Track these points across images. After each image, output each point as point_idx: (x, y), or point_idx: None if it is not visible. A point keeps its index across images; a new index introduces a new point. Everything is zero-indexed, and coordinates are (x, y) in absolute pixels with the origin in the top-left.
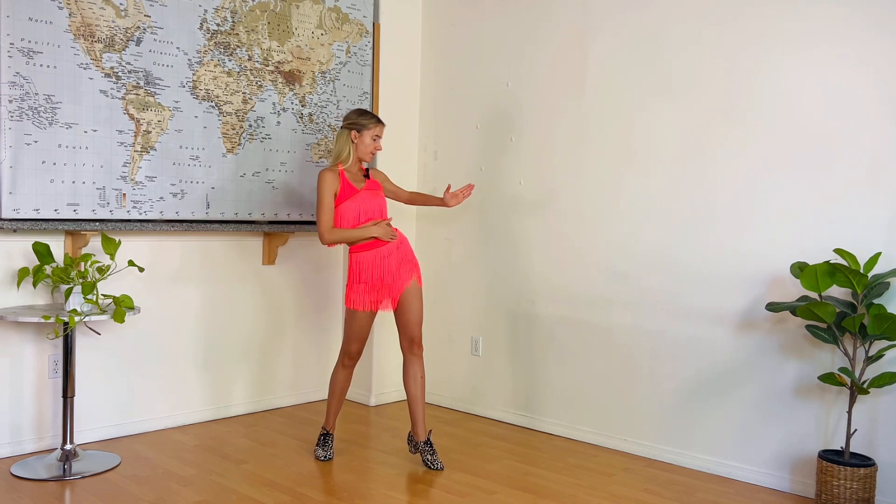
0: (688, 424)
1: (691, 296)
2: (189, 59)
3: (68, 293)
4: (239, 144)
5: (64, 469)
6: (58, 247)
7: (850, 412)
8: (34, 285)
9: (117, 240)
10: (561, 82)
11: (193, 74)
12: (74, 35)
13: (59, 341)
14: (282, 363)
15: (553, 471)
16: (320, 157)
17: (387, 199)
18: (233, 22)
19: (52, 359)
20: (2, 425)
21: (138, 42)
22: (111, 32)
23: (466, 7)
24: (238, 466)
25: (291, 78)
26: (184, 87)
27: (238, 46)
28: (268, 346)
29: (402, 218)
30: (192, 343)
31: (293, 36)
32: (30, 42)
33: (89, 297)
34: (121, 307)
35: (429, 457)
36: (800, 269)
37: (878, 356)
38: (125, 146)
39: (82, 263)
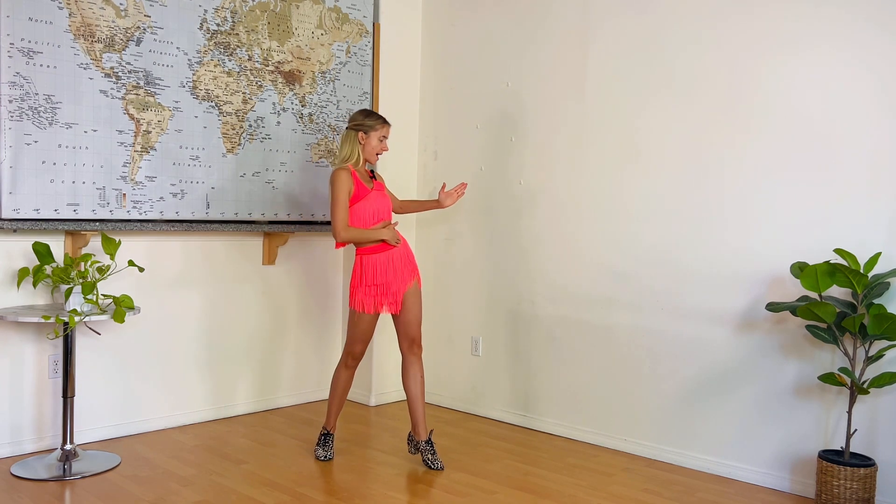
0: (688, 424)
1: (691, 296)
2: (189, 59)
3: (68, 293)
4: (239, 144)
5: (64, 469)
6: (58, 247)
7: (850, 412)
8: (34, 285)
9: (117, 240)
10: (561, 82)
11: (193, 74)
12: (74, 35)
13: (59, 341)
14: (282, 363)
15: (553, 471)
16: (320, 157)
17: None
18: (233, 22)
19: (52, 359)
20: (2, 425)
21: (138, 42)
22: (111, 32)
23: (466, 7)
24: (238, 466)
25: (291, 78)
26: (184, 87)
27: (238, 46)
28: (268, 346)
29: (402, 219)
30: (193, 343)
31: (293, 36)
32: (30, 42)
33: (89, 297)
34: (121, 307)
35: (429, 456)
36: (800, 269)
37: (878, 356)
38: (125, 146)
39: (82, 263)
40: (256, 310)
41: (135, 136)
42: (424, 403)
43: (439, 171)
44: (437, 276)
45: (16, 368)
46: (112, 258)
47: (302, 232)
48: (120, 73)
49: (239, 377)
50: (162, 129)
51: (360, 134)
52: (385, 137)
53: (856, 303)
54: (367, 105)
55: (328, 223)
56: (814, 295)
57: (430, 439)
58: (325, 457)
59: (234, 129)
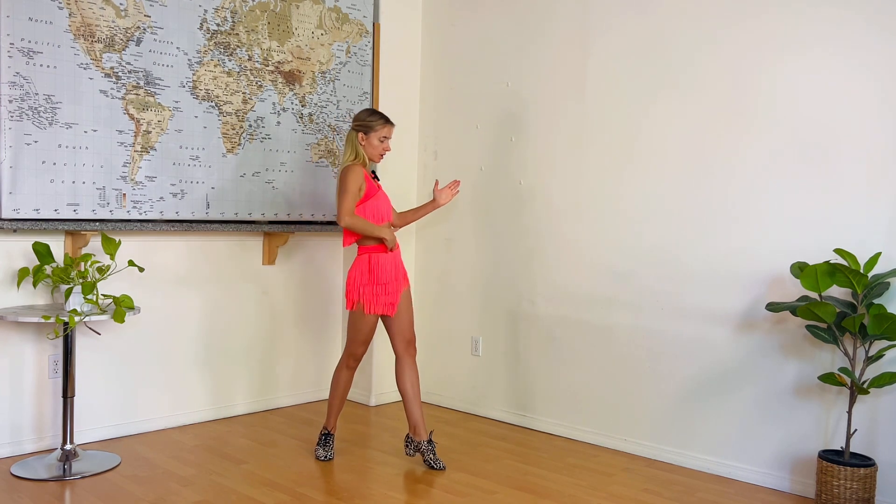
0: (688, 424)
1: (691, 296)
2: (189, 59)
3: (68, 293)
4: (239, 144)
5: (64, 469)
6: (58, 247)
7: (850, 412)
8: (34, 285)
9: (117, 240)
10: (561, 82)
11: (193, 74)
12: (74, 35)
13: (59, 341)
14: (282, 363)
15: (553, 471)
16: (320, 157)
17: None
18: (233, 22)
19: (52, 359)
20: (2, 425)
21: (138, 42)
22: (111, 32)
23: (466, 7)
24: (238, 466)
25: (291, 78)
26: (184, 87)
27: (238, 46)
28: (268, 346)
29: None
30: (193, 343)
31: (293, 36)
32: (30, 42)
33: (89, 297)
34: (121, 307)
35: (431, 457)
36: (800, 269)
37: (878, 356)
38: (125, 146)
39: (82, 263)
40: (256, 310)
41: (135, 136)
42: (421, 404)
43: (439, 172)
44: (437, 276)
45: (16, 368)
46: (112, 258)
47: (302, 232)
48: (120, 73)
49: (239, 377)
50: (162, 129)
51: (360, 134)
52: (386, 138)
53: (856, 303)
54: (366, 105)
55: (328, 223)
56: (814, 295)
57: (430, 439)
58: (326, 457)
59: (234, 129)
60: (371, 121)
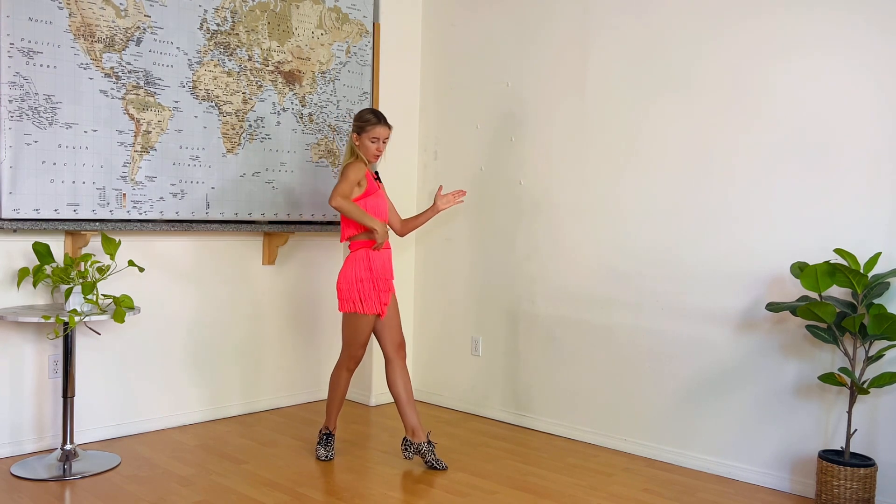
0: (688, 424)
1: (691, 296)
2: (189, 59)
3: (68, 293)
4: (239, 144)
5: (64, 469)
6: (58, 247)
7: (850, 412)
8: (34, 285)
9: (117, 240)
10: (561, 82)
11: (193, 74)
12: (74, 35)
13: (59, 341)
14: (282, 363)
15: (553, 471)
16: (320, 157)
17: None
18: (233, 22)
19: (52, 359)
20: (2, 425)
21: (138, 42)
22: (111, 32)
23: (466, 7)
24: (238, 466)
25: (291, 78)
26: (184, 87)
27: (238, 46)
28: (268, 346)
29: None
30: (193, 343)
31: (293, 36)
32: (30, 42)
33: (89, 297)
34: (121, 307)
35: (431, 456)
36: (800, 269)
37: (878, 356)
38: (125, 146)
39: (82, 263)
40: (256, 310)
41: (135, 136)
42: (416, 406)
43: (439, 171)
44: (437, 276)
45: (16, 368)
46: (112, 258)
47: (302, 232)
48: (120, 73)
49: (239, 377)
50: (162, 129)
51: (354, 135)
52: (377, 139)
53: (856, 303)
54: (366, 105)
55: (328, 223)
56: (814, 295)
57: (429, 440)
58: (327, 457)
59: (234, 129)
60: (364, 121)
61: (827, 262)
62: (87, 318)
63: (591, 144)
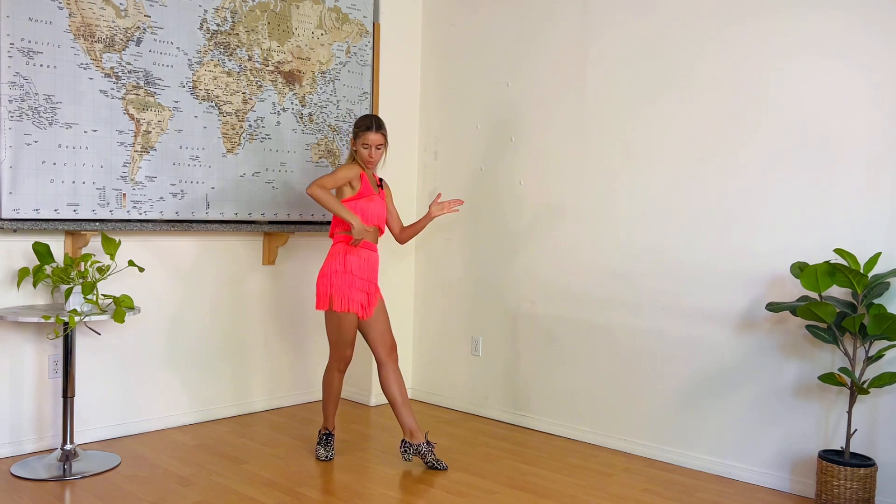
0: (688, 424)
1: (691, 296)
2: (189, 59)
3: (68, 293)
4: (239, 144)
5: (64, 469)
6: (58, 247)
7: (850, 412)
8: (34, 285)
9: (117, 240)
10: (561, 82)
11: (193, 74)
12: (74, 35)
13: (59, 341)
14: (282, 363)
15: (553, 471)
16: (320, 157)
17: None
18: (233, 22)
19: (52, 359)
20: (2, 425)
21: (138, 42)
22: (111, 32)
23: (466, 7)
24: (238, 466)
25: (291, 78)
26: (184, 87)
27: (238, 46)
28: (268, 345)
29: (403, 218)
30: (192, 343)
31: (293, 36)
32: (30, 42)
33: (89, 297)
34: (121, 307)
35: (431, 457)
36: (800, 269)
37: (878, 356)
38: (125, 146)
39: (82, 263)
40: (256, 310)
41: (135, 136)
42: (411, 407)
43: (439, 171)
44: (436, 276)
45: (16, 368)
46: (112, 258)
47: (302, 232)
48: (120, 73)
49: (239, 377)
50: (162, 129)
51: (352, 140)
52: (368, 145)
53: (856, 303)
54: (366, 105)
55: (328, 223)
56: (814, 295)
57: (428, 440)
58: (327, 457)
59: (234, 129)
60: (357, 127)
61: (827, 262)
62: (87, 318)
63: (591, 144)
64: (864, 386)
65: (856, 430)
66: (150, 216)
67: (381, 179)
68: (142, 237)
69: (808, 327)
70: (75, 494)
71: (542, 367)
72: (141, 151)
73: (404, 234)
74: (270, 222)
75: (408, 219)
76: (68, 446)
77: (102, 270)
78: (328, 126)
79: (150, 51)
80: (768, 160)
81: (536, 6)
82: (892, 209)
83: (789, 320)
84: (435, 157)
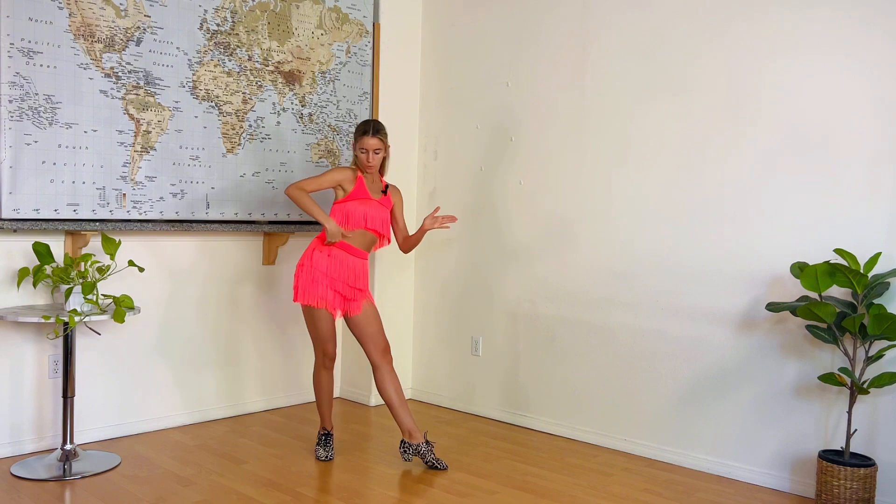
0: (688, 424)
1: (691, 296)
2: (189, 59)
3: (68, 293)
4: (239, 144)
5: (64, 469)
6: (58, 247)
7: (850, 412)
8: (34, 285)
9: (117, 240)
10: (561, 82)
11: (193, 74)
12: (74, 35)
13: (59, 341)
14: (282, 363)
15: (553, 471)
16: (320, 157)
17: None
18: (233, 22)
19: (52, 359)
20: (2, 425)
21: (138, 42)
22: (111, 32)
23: (466, 7)
24: (238, 466)
25: (291, 78)
26: (184, 87)
27: (238, 46)
28: (268, 345)
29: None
30: (192, 343)
31: (293, 36)
32: (30, 42)
33: (89, 297)
34: (121, 307)
35: (431, 456)
36: (800, 269)
37: (878, 356)
38: (125, 146)
39: (82, 263)
40: (256, 310)
41: (135, 136)
42: (409, 408)
43: (439, 171)
44: (437, 277)
45: (16, 368)
46: (112, 258)
47: (302, 232)
48: (120, 73)
49: (239, 377)
50: (162, 129)
51: (353, 143)
52: (365, 150)
53: (856, 303)
54: (366, 105)
55: None
56: (814, 295)
57: (427, 440)
58: (327, 457)
59: (234, 129)
60: (356, 131)
61: (827, 262)
62: (87, 318)
63: (591, 144)
64: (864, 386)
65: (856, 430)
66: (150, 216)
67: (387, 186)
68: (142, 237)
69: (808, 327)
70: (75, 494)
71: (542, 367)
72: (141, 151)
73: (406, 244)
74: (270, 222)
75: (408, 222)
76: (68, 446)
77: (102, 270)
78: (328, 126)
79: (150, 51)
80: (768, 159)
81: (536, 6)
82: (892, 209)
83: (789, 320)
84: (435, 157)
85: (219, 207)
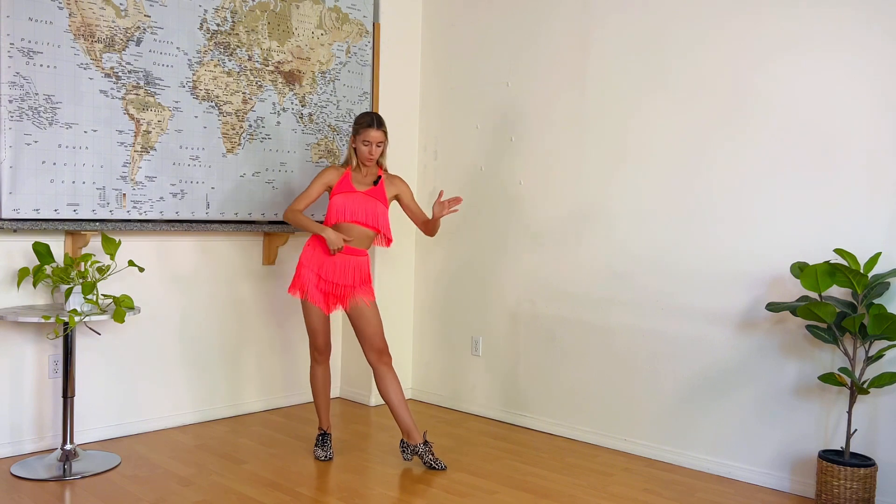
0: (688, 424)
1: (691, 296)
2: (189, 59)
3: (68, 293)
4: (239, 144)
5: (64, 469)
6: (58, 247)
7: (850, 412)
8: (34, 285)
9: (117, 240)
10: (561, 82)
11: (193, 74)
12: (74, 35)
13: (59, 341)
14: (282, 363)
15: (553, 471)
16: (320, 158)
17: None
18: (233, 22)
19: (52, 359)
20: (2, 425)
21: (138, 42)
22: (111, 32)
23: (466, 7)
24: (238, 466)
25: (291, 78)
26: (184, 87)
27: (238, 46)
28: (268, 345)
29: (404, 218)
30: (193, 343)
31: (293, 36)
32: (30, 42)
33: (89, 297)
34: (121, 307)
35: (430, 457)
36: (800, 269)
37: (878, 356)
38: (125, 146)
39: (82, 263)
40: (256, 310)
41: (135, 136)
42: (408, 408)
43: (439, 171)
44: (437, 276)
45: (16, 368)
46: (112, 258)
47: (302, 232)
48: (120, 73)
49: (239, 377)
50: (162, 129)
51: (351, 137)
52: (368, 142)
53: (856, 303)
54: (366, 105)
55: None
56: (814, 295)
57: (426, 441)
58: (325, 457)
59: (234, 129)
60: (358, 123)
61: (827, 262)
62: (87, 318)
63: (591, 144)
64: (864, 386)
65: (856, 430)
66: (150, 216)
67: (380, 176)
68: (142, 237)
69: (808, 327)
70: (75, 494)
71: (542, 367)
72: (141, 151)
73: (427, 229)
74: (270, 222)
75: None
76: (68, 446)
77: (102, 270)
78: (328, 126)
79: (150, 51)
80: (769, 159)
81: (536, 6)
82: (892, 209)
83: (789, 320)
84: (435, 157)
85: (219, 207)
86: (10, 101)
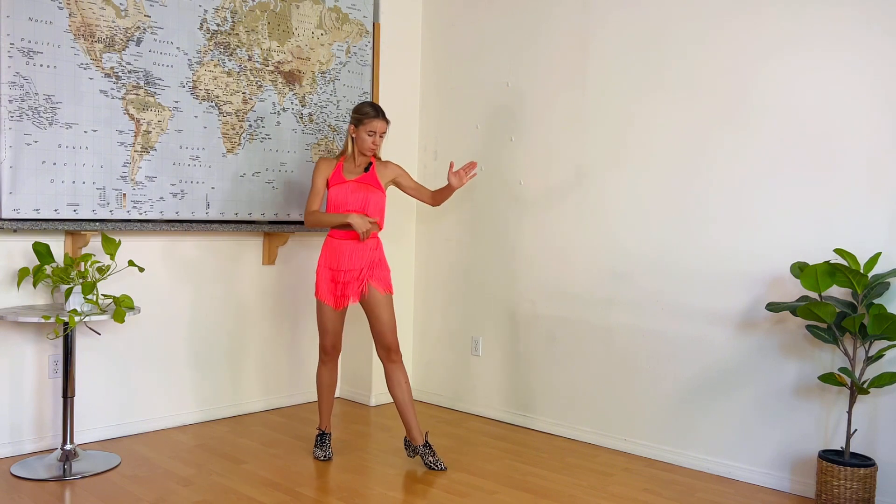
0: (688, 424)
1: (691, 296)
2: (189, 59)
3: (68, 293)
4: (239, 144)
5: (64, 469)
6: (58, 247)
7: (850, 412)
8: (34, 285)
9: (117, 240)
10: (561, 82)
11: (193, 74)
12: (74, 35)
13: (59, 341)
14: (282, 363)
15: (553, 471)
16: (320, 158)
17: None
18: (233, 22)
19: (52, 359)
20: (2, 425)
21: (138, 42)
22: (111, 32)
23: (466, 7)
24: (238, 466)
25: (291, 78)
26: (184, 87)
27: (238, 46)
28: (268, 345)
29: (403, 218)
30: (192, 343)
31: (293, 36)
32: (30, 42)
33: (89, 297)
34: (121, 307)
35: (430, 458)
36: (800, 269)
37: (878, 356)
38: (125, 146)
39: (82, 263)
40: (256, 310)
41: (135, 136)
42: (414, 407)
43: (439, 171)
44: (437, 276)
45: (16, 368)
46: (112, 258)
47: (302, 232)
48: (120, 73)
49: (239, 377)
50: (162, 129)
51: (352, 126)
52: (373, 132)
53: (856, 303)
54: None
55: None
56: (814, 295)
57: (427, 442)
58: (324, 457)
59: (234, 129)
60: (362, 114)
61: (827, 262)
62: (87, 318)
63: (591, 144)
64: (864, 386)
65: (856, 430)
66: (150, 216)
67: (370, 163)
68: (142, 237)
69: (808, 327)
70: (75, 494)
71: (542, 367)
72: (141, 151)
73: (435, 199)
74: (270, 222)
75: (408, 221)
76: (68, 446)
77: (102, 270)
78: (328, 126)
79: (150, 51)
80: (769, 159)
81: (536, 6)
82: (892, 209)
83: (789, 320)
84: (435, 157)
85: (219, 207)
86: (11, 101)
